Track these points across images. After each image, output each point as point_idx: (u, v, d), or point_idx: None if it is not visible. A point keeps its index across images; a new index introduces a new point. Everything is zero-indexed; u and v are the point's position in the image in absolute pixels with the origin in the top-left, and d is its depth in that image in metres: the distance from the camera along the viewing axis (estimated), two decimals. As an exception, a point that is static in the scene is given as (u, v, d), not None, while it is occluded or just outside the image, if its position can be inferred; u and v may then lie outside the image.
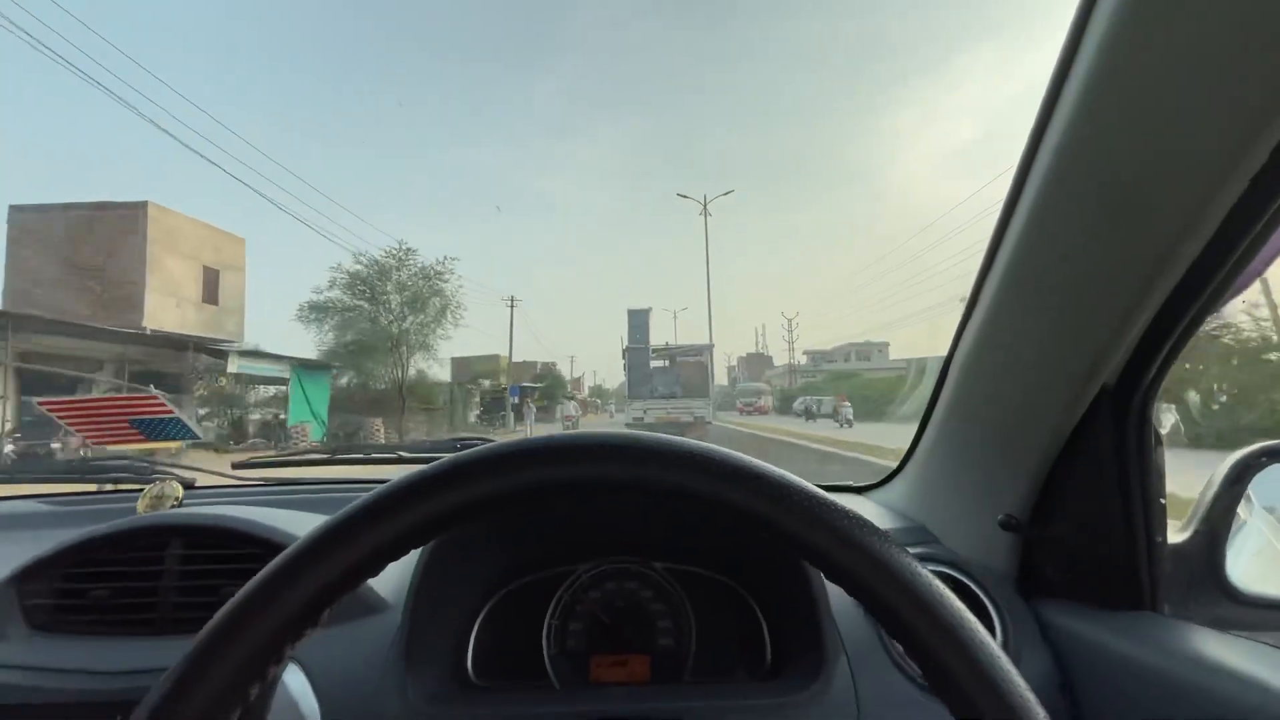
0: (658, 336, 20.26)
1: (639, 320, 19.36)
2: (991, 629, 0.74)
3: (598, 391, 68.13)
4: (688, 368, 18.85)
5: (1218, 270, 0.54)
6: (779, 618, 0.82)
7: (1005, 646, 0.72)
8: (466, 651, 0.80)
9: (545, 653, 0.81)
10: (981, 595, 0.76)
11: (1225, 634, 0.61)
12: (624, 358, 19.11)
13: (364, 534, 0.34)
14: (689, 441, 0.36)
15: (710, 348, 19.88)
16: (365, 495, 0.35)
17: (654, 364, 19.10)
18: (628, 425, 13.60)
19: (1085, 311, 0.60)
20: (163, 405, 1.12)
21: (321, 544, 0.34)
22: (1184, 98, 0.45)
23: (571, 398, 26.15)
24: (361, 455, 1.19)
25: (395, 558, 0.35)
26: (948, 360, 0.82)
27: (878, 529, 0.33)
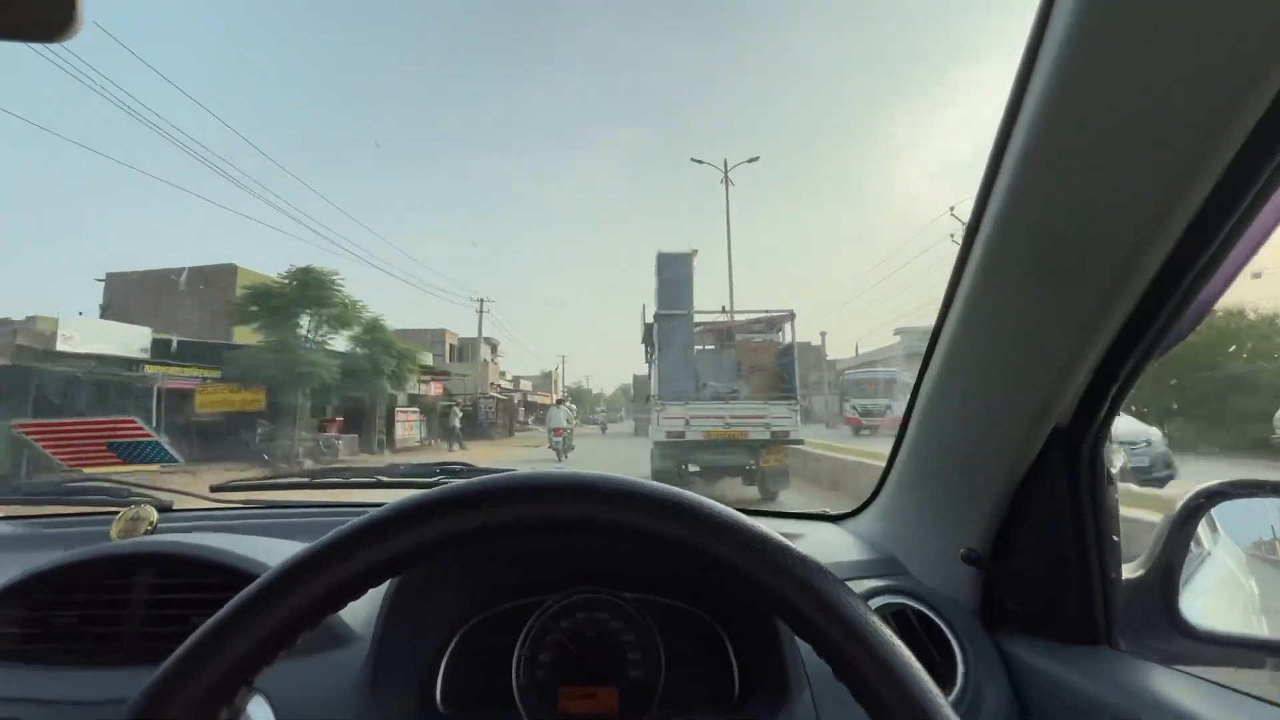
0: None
1: (676, 271, 9.75)
2: (954, 662, 0.75)
3: (578, 395, 59.55)
4: (755, 350, 10.16)
5: (1156, 317, 0.56)
6: (747, 649, 0.83)
7: (967, 679, 0.73)
8: (435, 681, 0.80)
9: (514, 683, 0.82)
10: (944, 628, 0.77)
11: (1176, 671, 0.63)
12: (648, 338, 10.36)
13: (326, 571, 0.35)
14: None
15: (790, 317, 10.21)
16: (329, 533, 0.36)
17: (700, 345, 10.32)
18: (657, 445, 8.59)
19: (1035, 355, 0.62)
20: (140, 429, 1.12)
21: (284, 581, 0.35)
22: (1115, 155, 0.48)
23: (562, 401, 19.54)
24: (340, 480, 1.20)
25: (358, 595, 0.36)
26: (914, 393, 0.84)
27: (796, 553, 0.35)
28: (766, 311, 11.04)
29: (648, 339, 10.56)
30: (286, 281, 14.25)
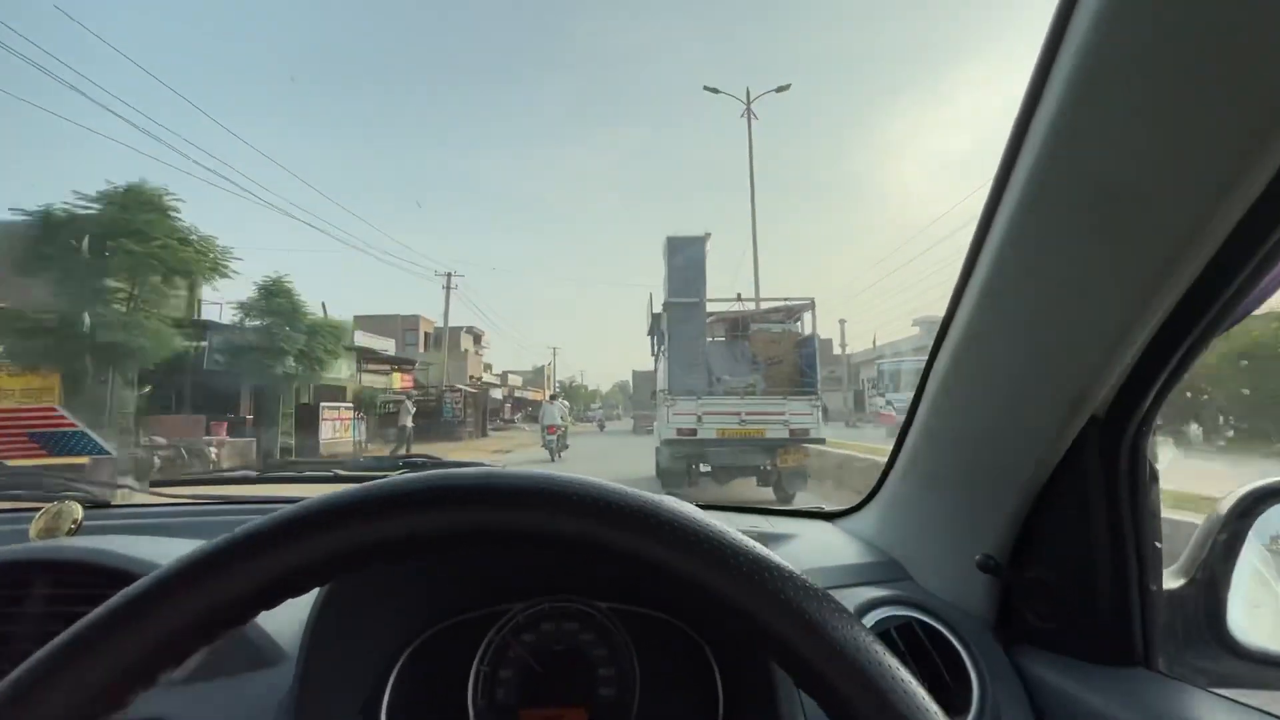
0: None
1: (688, 256, 8.97)
2: (968, 682, 0.66)
3: (571, 392, 54.04)
4: (772, 342, 9.27)
5: (1225, 288, 0.46)
6: (734, 667, 0.74)
7: (982, 701, 0.64)
8: (380, 705, 0.70)
9: (470, 705, 0.72)
10: (957, 645, 0.68)
11: (1223, 696, 0.54)
12: (656, 328, 9.78)
13: (224, 574, 0.29)
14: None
15: (810, 306, 9.35)
16: (236, 530, 0.30)
17: (711, 336, 9.41)
18: (665, 444, 7.97)
19: (1072, 334, 0.53)
20: (63, 418, 1.02)
21: (168, 585, 0.29)
22: (1187, 87, 0.38)
23: (556, 396, 17.08)
24: (294, 474, 1.10)
25: (270, 605, 0.30)
26: (923, 378, 0.74)
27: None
28: (785, 299, 9.98)
29: (655, 330, 9.88)
30: (93, 208, 9.03)
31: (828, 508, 1.10)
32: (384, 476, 0.32)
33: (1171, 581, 0.63)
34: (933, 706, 0.27)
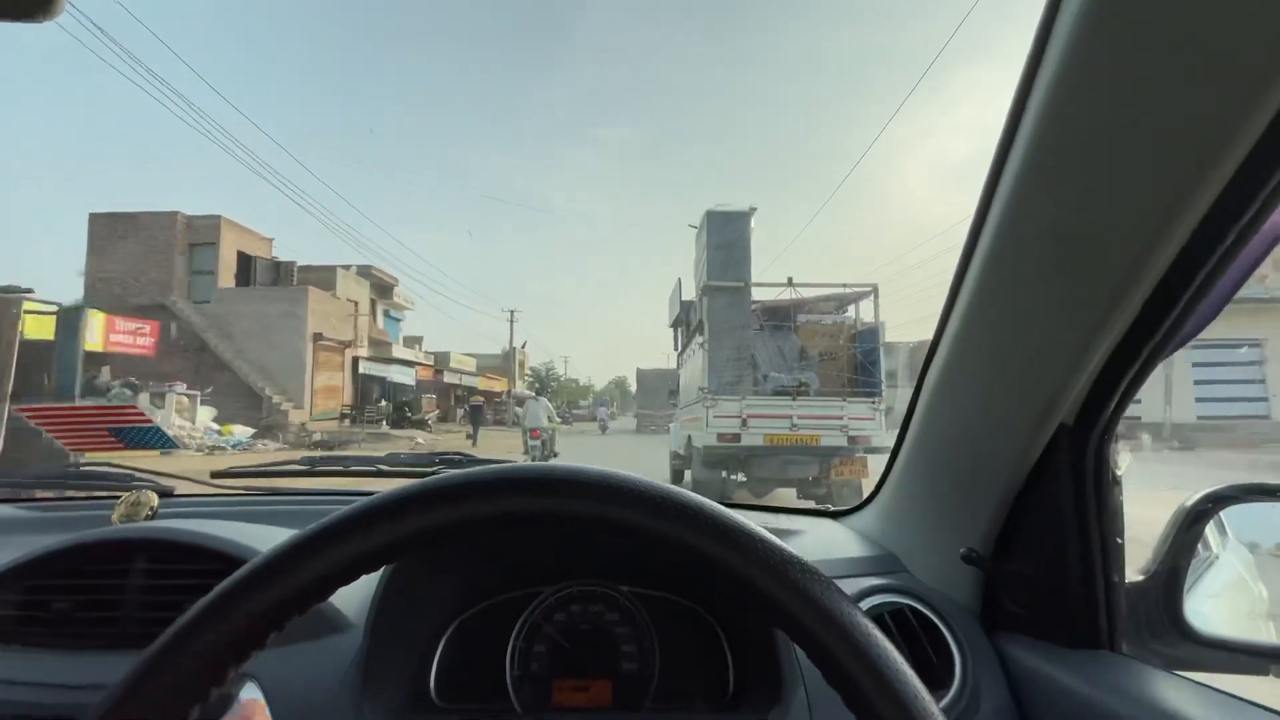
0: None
1: (731, 233, 7.67)
2: (952, 663, 0.74)
3: (543, 382, 45.82)
4: (824, 334, 8.09)
5: (1167, 314, 0.54)
6: (743, 647, 0.82)
7: (965, 681, 0.72)
8: (429, 672, 0.80)
9: (508, 675, 0.81)
10: (943, 629, 0.76)
11: (1179, 677, 0.62)
12: (685, 318, 8.77)
13: (314, 558, 0.35)
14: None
15: (871, 293, 7.94)
16: (320, 520, 0.36)
17: (755, 326, 7.93)
18: (707, 450, 6.89)
19: (1041, 351, 0.61)
20: (141, 415, 1.13)
21: (273, 566, 0.35)
22: (1128, 145, 0.46)
23: (541, 393, 15.60)
24: (341, 468, 1.20)
25: (347, 581, 0.36)
26: (917, 388, 0.82)
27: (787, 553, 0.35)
28: (842, 285, 8.41)
29: (683, 320, 8.62)
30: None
31: (833, 508, 1.19)
32: (426, 472, 0.40)
33: (1135, 575, 0.71)
34: (910, 671, 0.33)
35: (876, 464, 6.27)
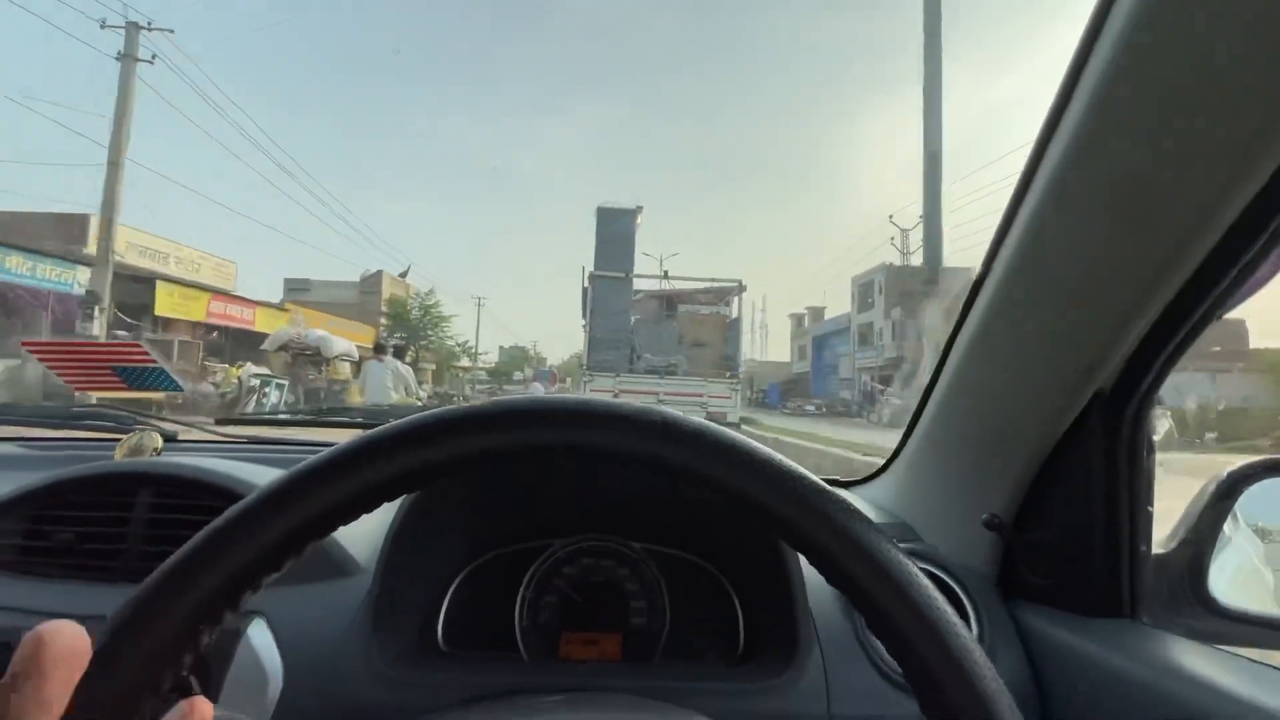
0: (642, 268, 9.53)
1: (617, 229, 9.14)
2: (967, 625, 0.73)
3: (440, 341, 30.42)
4: (699, 323, 9.48)
5: (1224, 275, 0.52)
6: (755, 604, 0.81)
7: (979, 643, 0.71)
8: (438, 618, 0.79)
9: (517, 625, 0.81)
10: (960, 593, 0.75)
11: (1203, 645, 0.61)
12: (584, 300, 9.53)
13: (324, 487, 0.33)
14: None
15: (738, 290, 9.42)
16: (328, 449, 0.34)
17: (637, 314, 9.50)
18: None
19: (1085, 312, 0.59)
20: (146, 354, 1.11)
21: (280, 494, 0.33)
22: (1196, 96, 0.44)
23: (384, 349, 7.11)
24: (347, 419, 1.18)
25: (359, 514, 0.33)
26: (943, 356, 0.80)
27: (856, 511, 0.33)
28: (713, 280, 10.12)
29: (584, 302, 9.55)
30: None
31: (844, 478, 1.17)
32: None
33: (1161, 546, 0.70)
34: (941, 598, 0.32)
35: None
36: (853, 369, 28.51)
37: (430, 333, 26.06)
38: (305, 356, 13.30)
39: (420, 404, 6.39)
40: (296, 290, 24.05)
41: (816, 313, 40.86)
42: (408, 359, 7.16)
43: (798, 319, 43.49)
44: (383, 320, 23.70)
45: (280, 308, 18.66)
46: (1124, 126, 0.49)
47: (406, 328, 24.17)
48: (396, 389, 6.24)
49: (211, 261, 17.01)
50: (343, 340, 13.97)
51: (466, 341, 34.38)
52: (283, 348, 13.01)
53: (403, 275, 26.76)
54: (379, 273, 25.49)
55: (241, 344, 15.64)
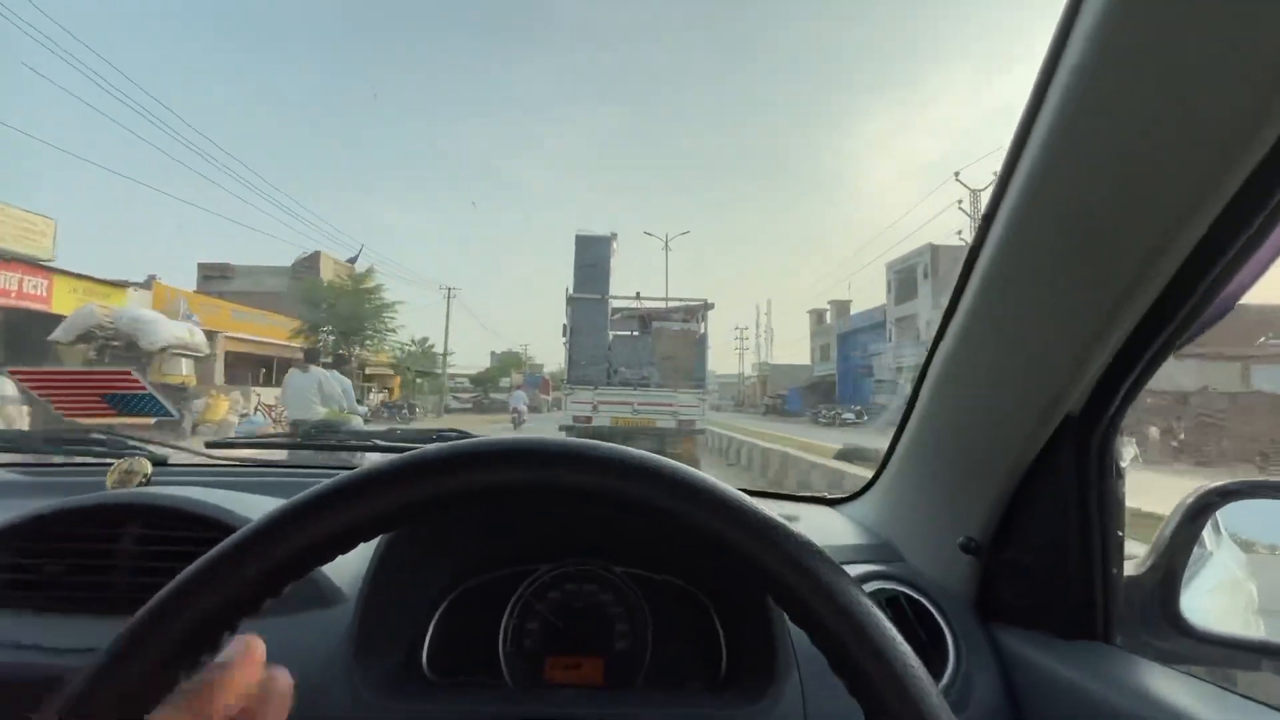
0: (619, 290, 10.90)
1: (594, 254, 10.39)
2: (945, 651, 0.74)
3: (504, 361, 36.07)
4: (670, 339, 10.44)
5: (1181, 306, 0.53)
6: (737, 629, 0.82)
7: (958, 669, 0.72)
8: (422, 645, 0.80)
9: (501, 651, 0.81)
10: (938, 617, 0.76)
11: (1172, 669, 0.62)
12: (566, 319, 10.39)
13: (311, 524, 0.34)
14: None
15: (707, 308, 10.76)
16: (315, 486, 0.35)
17: (615, 331, 10.70)
18: (566, 430, 8.60)
19: (1051, 341, 0.60)
20: (135, 381, 1.12)
21: (267, 532, 0.34)
22: (1151, 135, 0.45)
23: (318, 361, 5.84)
24: (336, 442, 1.19)
25: (346, 549, 0.35)
26: (920, 377, 0.82)
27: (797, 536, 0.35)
28: (685, 300, 11.41)
29: (566, 320, 10.46)
30: None
31: (829, 495, 1.18)
32: (415, 447, 0.37)
33: (1133, 568, 0.71)
34: (919, 664, 0.33)
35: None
36: (891, 368, 24.66)
37: (369, 325, 20.24)
38: (114, 349, 9.63)
39: (356, 412, 6.03)
40: (213, 279, 18.96)
41: (841, 307, 37.27)
42: (322, 361, 6.03)
43: (818, 315, 40.13)
44: (302, 307, 18.63)
45: (117, 285, 13.43)
46: (1080, 163, 0.50)
47: (337, 319, 19.00)
48: (327, 404, 5.41)
49: (10, 215, 10.97)
50: (176, 325, 10.30)
51: (427, 339, 29.21)
52: (82, 337, 9.60)
53: (352, 260, 21.94)
54: (316, 254, 20.46)
55: (20, 333, 10.35)
